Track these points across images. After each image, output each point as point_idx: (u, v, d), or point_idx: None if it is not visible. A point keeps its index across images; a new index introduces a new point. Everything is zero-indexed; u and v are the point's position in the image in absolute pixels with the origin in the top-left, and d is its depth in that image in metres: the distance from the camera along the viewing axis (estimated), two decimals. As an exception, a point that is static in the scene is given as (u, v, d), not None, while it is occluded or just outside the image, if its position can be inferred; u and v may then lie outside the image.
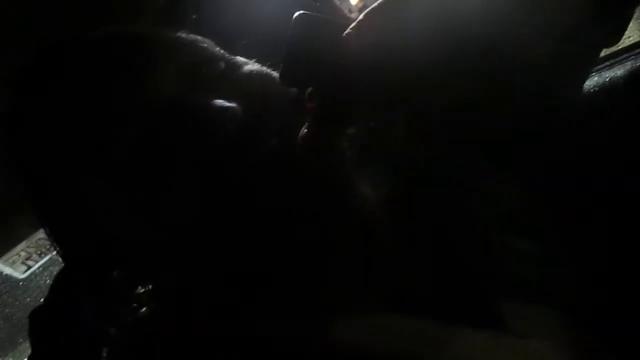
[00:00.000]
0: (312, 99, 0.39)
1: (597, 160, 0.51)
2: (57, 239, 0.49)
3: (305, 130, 0.38)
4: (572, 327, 0.44)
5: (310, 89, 0.40)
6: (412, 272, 0.48)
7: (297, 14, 0.39)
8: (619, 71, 0.55)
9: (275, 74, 0.48)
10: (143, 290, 0.48)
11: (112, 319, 0.47)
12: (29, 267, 2.51)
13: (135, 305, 0.47)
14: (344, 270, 0.44)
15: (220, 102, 0.41)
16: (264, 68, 0.48)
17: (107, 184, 0.42)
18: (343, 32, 0.36)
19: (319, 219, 0.42)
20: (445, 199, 0.50)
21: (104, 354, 0.47)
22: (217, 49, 0.49)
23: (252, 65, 0.47)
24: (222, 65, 0.46)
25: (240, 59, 0.48)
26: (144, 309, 0.47)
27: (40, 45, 0.47)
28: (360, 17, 0.35)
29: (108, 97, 0.42)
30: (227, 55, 0.48)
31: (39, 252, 2.41)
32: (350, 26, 0.36)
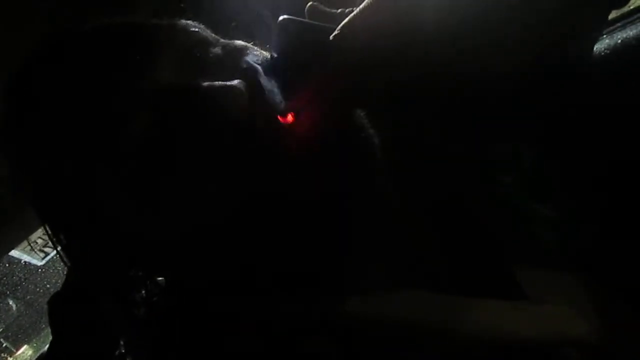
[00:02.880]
0: (285, 115, 0.39)
1: (609, 122, 0.50)
2: (61, 240, 0.49)
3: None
4: (591, 291, 0.44)
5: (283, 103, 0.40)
6: (431, 242, 0.48)
7: (280, 19, 0.38)
8: (631, 32, 0.54)
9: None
10: (155, 281, 0.48)
11: (125, 310, 0.47)
12: (47, 254, 2.56)
13: (147, 295, 0.47)
14: (364, 247, 0.44)
15: (222, 83, 0.41)
16: (261, 51, 0.47)
17: (116, 180, 0.42)
18: (328, 35, 0.36)
19: (333, 199, 0.42)
20: (461, 167, 0.50)
21: (122, 342, 0.48)
22: (211, 33, 0.48)
23: (248, 48, 0.46)
24: (219, 49, 0.45)
25: (236, 41, 0.47)
26: (156, 298, 0.47)
27: (36, 38, 0.46)
28: (344, 22, 0.36)
29: (110, 91, 0.41)
30: (222, 39, 0.47)
31: (55, 239, 2.44)
32: (334, 33, 0.36)
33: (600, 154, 0.50)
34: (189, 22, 0.46)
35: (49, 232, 0.47)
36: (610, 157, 0.49)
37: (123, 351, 0.47)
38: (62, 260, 0.48)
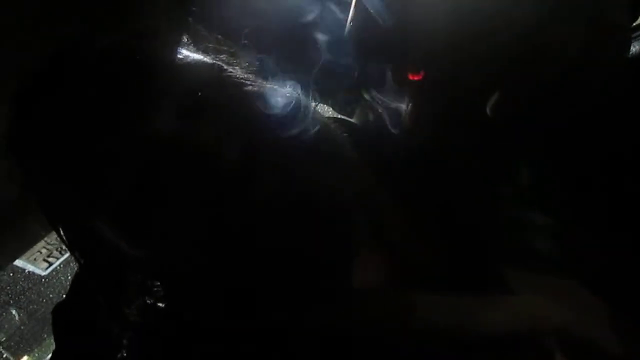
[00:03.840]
0: (416, 69, 0.37)
1: (609, 129, 0.50)
2: (66, 243, 0.49)
3: (412, 106, 0.37)
4: (582, 294, 0.44)
5: (417, 57, 0.36)
6: (427, 248, 0.48)
7: None
8: (633, 48, 0.54)
9: (278, 91, 0.47)
10: (154, 287, 0.48)
11: (123, 317, 0.48)
12: (51, 264, 2.56)
13: (146, 302, 0.48)
14: (364, 250, 0.45)
15: (218, 135, 0.41)
16: (266, 89, 0.47)
17: (104, 215, 0.43)
18: None
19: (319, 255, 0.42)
20: (458, 176, 0.50)
21: (124, 349, 0.48)
22: (219, 66, 0.48)
23: (253, 87, 0.46)
24: (223, 89, 0.45)
25: (242, 78, 0.47)
26: (156, 304, 0.48)
27: (43, 47, 0.47)
28: None
29: (105, 127, 0.42)
30: (230, 73, 0.47)
31: (59, 249, 2.46)
32: None
33: (598, 161, 0.50)
34: (199, 55, 0.46)
35: (60, 234, 0.48)
36: (609, 163, 0.49)
37: (124, 355, 0.47)
38: (76, 260, 0.49)
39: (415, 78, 0.37)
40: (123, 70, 0.42)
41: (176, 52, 0.45)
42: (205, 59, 0.46)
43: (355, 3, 0.36)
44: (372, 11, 0.35)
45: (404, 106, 0.42)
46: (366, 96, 0.64)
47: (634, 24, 0.55)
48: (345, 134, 0.48)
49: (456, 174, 0.49)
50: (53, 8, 0.52)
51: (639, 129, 0.46)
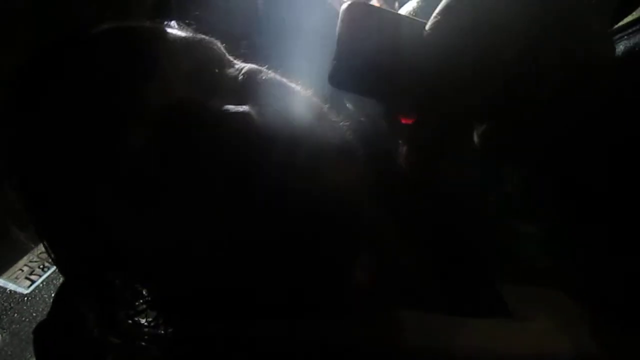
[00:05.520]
0: (407, 114, 0.37)
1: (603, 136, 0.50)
2: (56, 248, 0.47)
3: (406, 150, 0.37)
4: (576, 308, 0.44)
5: (410, 103, 0.36)
6: (418, 262, 0.47)
7: (347, 3, 0.34)
8: (617, 49, 0.54)
9: (286, 82, 0.46)
10: (142, 297, 0.47)
11: (112, 328, 0.46)
12: (33, 282, 2.51)
13: (134, 312, 0.46)
14: (356, 269, 0.44)
15: (234, 107, 0.40)
16: (276, 76, 0.47)
17: (111, 193, 0.41)
18: (408, 27, 0.33)
19: (332, 229, 0.41)
20: (452, 188, 0.50)
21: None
22: (225, 51, 0.47)
23: (263, 72, 0.46)
24: (233, 70, 0.44)
25: (251, 65, 0.46)
26: (143, 316, 0.47)
27: (35, 45, 0.45)
28: (438, 16, 0.32)
29: (112, 102, 0.40)
30: (238, 59, 0.47)
31: (41, 266, 2.41)
32: (429, 25, 0.32)
33: (593, 170, 0.50)
34: (204, 36, 0.46)
35: (46, 244, 0.46)
36: (604, 173, 0.49)
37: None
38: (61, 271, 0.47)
39: (407, 122, 0.37)
40: (130, 44, 0.41)
41: (180, 31, 0.45)
42: (209, 40, 0.46)
43: (338, 42, 0.34)
44: (357, 54, 0.34)
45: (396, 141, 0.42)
46: (348, 105, 0.64)
47: (620, 24, 0.56)
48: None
49: (449, 190, 0.49)
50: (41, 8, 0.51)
51: (633, 130, 0.46)
